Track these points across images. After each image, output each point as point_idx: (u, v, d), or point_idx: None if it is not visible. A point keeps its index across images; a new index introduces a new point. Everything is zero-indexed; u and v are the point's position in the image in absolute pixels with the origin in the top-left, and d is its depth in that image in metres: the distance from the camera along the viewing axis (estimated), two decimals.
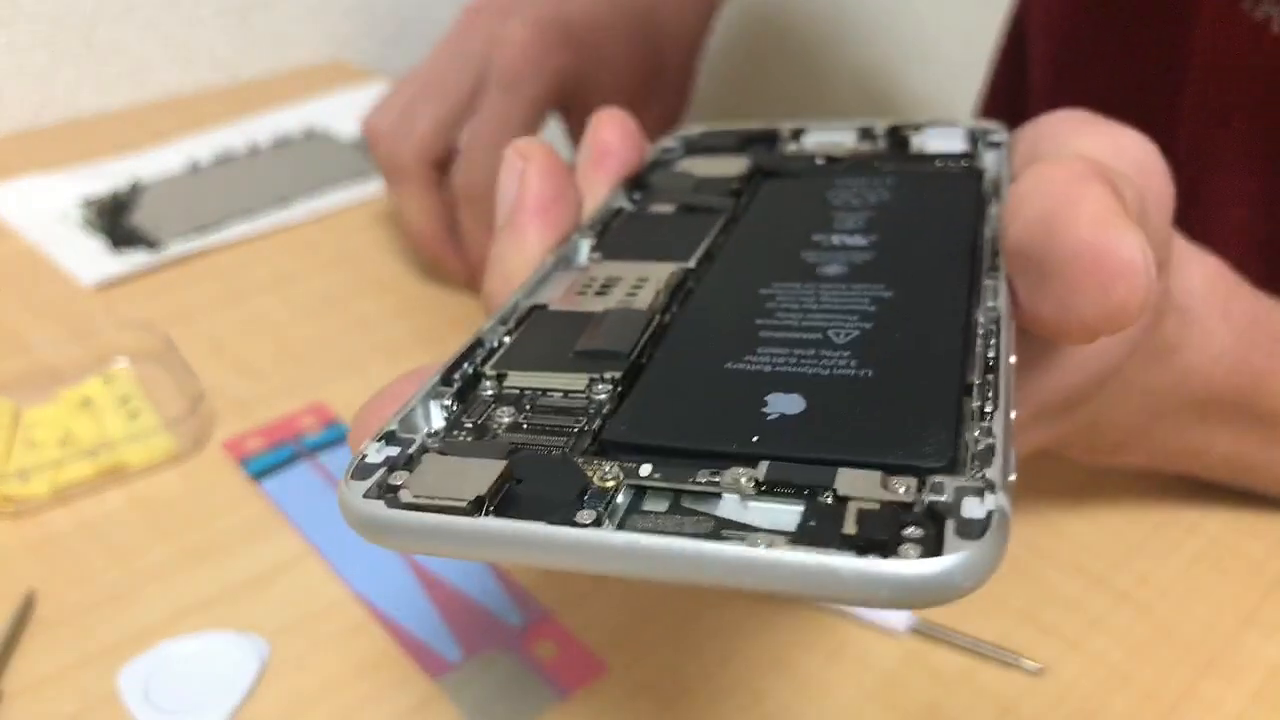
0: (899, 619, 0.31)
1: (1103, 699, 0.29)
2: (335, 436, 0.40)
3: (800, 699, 0.29)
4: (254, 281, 0.51)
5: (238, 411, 0.41)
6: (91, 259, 0.52)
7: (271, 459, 0.39)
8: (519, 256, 0.23)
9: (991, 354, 0.17)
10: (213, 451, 0.39)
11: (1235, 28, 0.41)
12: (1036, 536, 0.34)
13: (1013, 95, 0.60)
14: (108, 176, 0.61)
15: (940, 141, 0.27)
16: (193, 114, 0.71)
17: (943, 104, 1.19)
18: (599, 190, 0.26)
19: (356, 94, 0.74)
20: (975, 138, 0.27)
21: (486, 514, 0.15)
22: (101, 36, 0.72)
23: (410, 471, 0.16)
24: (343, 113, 0.70)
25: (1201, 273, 0.29)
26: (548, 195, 0.24)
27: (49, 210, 0.57)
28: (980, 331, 0.18)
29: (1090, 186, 0.18)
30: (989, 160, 0.25)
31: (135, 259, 0.52)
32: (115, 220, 0.56)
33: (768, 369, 0.17)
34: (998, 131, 0.26)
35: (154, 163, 0.63)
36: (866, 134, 0.28)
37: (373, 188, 0.60)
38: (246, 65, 0.79)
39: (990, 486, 0.14)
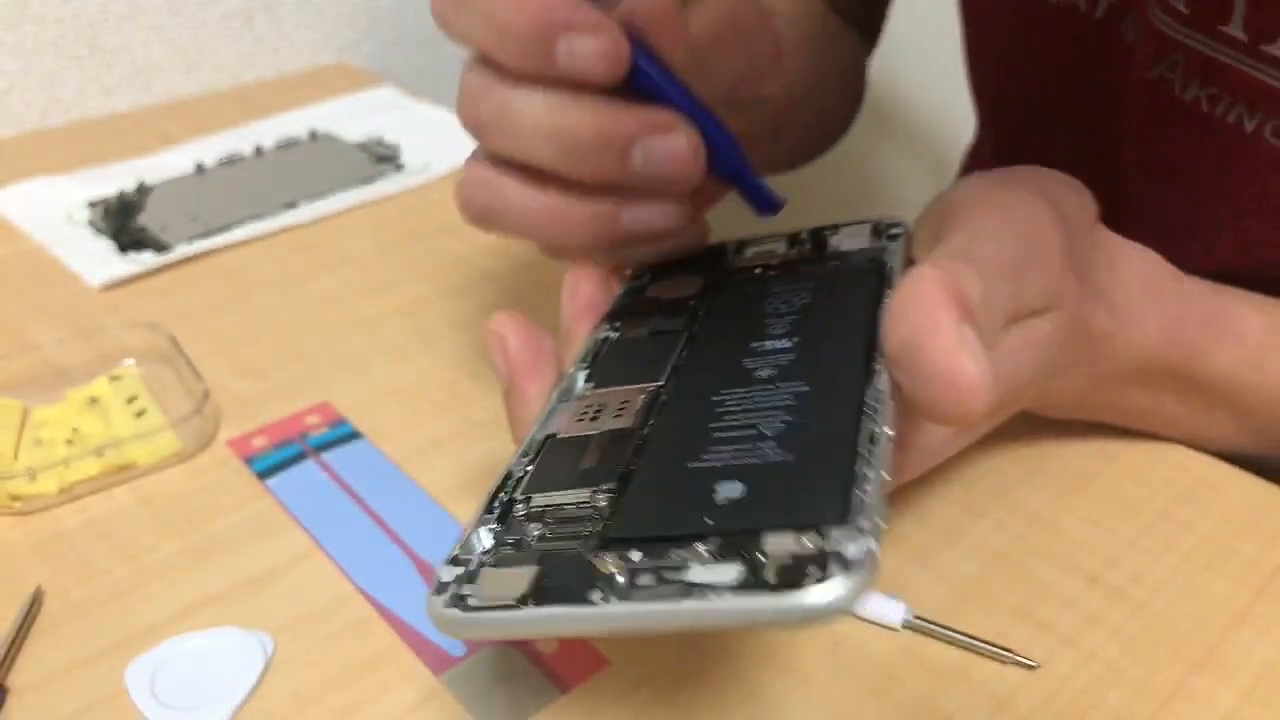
0: (895, 615, 0.31)
1: (1097, 694, 0.30)
2: (340, 435, 0.40)
3: (798, 694, 0.30)
4: (259, 282, 0.51)
5: (243, 411, 0.42)
6: (98, 260, 0.53)
7: (276, 457, 0.39)
8: (529, 409, 0.29)
9: (874, 428, 0.23)
10: (218, 450, 0.40)
11: (1168, 110, 0.43)
12: (1032, 534, 0.35)
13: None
14: (114, 179, 0.61)
15: (850, 240, 0.33)
16: (198, 117, 0.71)
17: (941, 107, 1.19)
18: (584, 333, 0.32)
19: (360, 96, 0.74)
20: (880, 231, 0.32)
21: (528, 606, 0.21)
22: (107, 40, 0.72)
23: (473, 584, 0.22)
24: (347, 115, 0.71)
25: (1137, 264, 0.34)
26: (530, 356, 0.30)
27: (56, 212, 0.58)
28: (868, 410, 0.24)
29: (944, 316, 0.23)
30: (891, 251, 0.31)
31: (142, 260, 0.52)
32: (122, 222, 0.56)
33: (718, 464, 0.23)
34: (898, 225, 0.32)
35: (160, 165, 0.63)
36: (794, 240, 0.34)
37: (376, 189, 0.60)
38: (250, 69, 0.79)
39: (863, 532, 0.20)
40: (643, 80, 0.30)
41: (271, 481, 0.38)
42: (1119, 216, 0.36)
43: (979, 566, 0.34)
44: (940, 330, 0.23)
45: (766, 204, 0.33)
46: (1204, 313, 0.36)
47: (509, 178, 0.32)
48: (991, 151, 0.59)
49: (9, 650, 0.31)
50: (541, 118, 0.30)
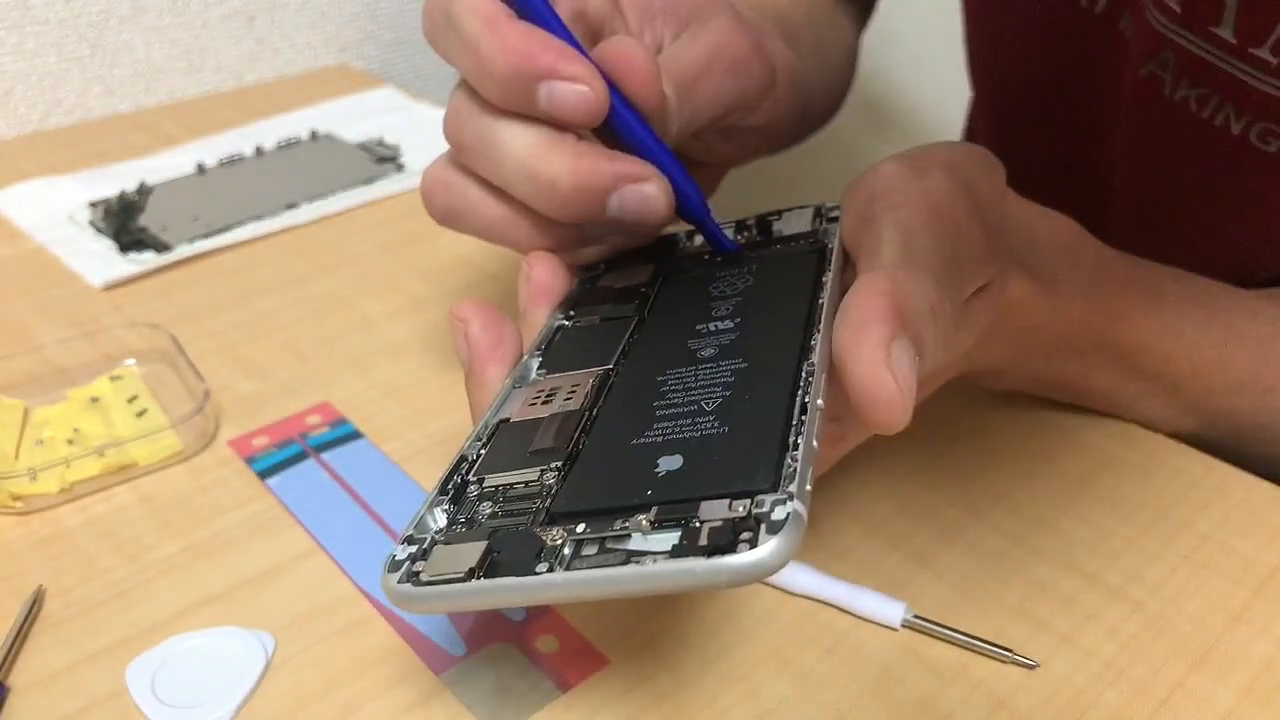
0: (895, 614, 0.31)
1: (1096, 693, 0.30)
2: (340, 435, 0.40)
3: (797, 692, 0.30)
4: (260, 282, 0.51)
5: (244, 410, 0.42)
6: (100, 260, 0.53)
7: (277, 457, 0.39)
8: (487, 393, 0.30)
9: (806, 399, 0.24)
10: (219, 450, 0.40)
11: (1158, 109, 0.43)
12: (1031, 534, 0.35)
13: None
14: (115, 179, 0.61)
15: (793, 224, 0.34)
16: (199, 118, 0.71)
17: (937, 108, 1.19)
18: (541, 317, 0.32)
19: (361, 97, 0.74)
20: (821, 214, 0.34)
21: (477, 578, 0.22)
22: (109, 41, 0.72)
23: (425, 560, 0.23)
24: (347, 116, 0.71)
25: (1048, 231, 0.34)
26: (491, 341, 0.30)
27: (58, 212, 0.58)
28: (802, 383, 0.25)
29: (874, 331, 0.24)
30: (830, 232, 0.32)
31: (143, 260, 0.53)
32: (123, 222, 0.56)
33: (660, 440, 0.24)
34: (838, 208, 0.33)
35: (161, 165, 0.63)
36: (741, 226, 0.35)
37: (376, 190, 0.60)
38: (251, 70, 0.80)
39: (790, 497, 0.21)
40: (618, 124, 0.31)
41: (272, 481, 0.38)
42: (1108, 214, 0.36)
43: (978, 566, 0.34)
44: (866, 346, 0.24)
45: (725, 247, 0.34)
46: (1122, 278, 0.36)
47: (472, 183, 0.33)
48: (988, 142, 0.60)
49: (10, 649, 0.31)
50: (522, 158, 0.31)
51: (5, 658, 0.31)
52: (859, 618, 0.32)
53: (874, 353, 0.24)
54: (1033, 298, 0.33)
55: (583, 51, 0.30)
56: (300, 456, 0.39)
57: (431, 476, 0.38)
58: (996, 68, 0.57)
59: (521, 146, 0.31)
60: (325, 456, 0.39)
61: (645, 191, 0.31)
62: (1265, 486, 0.37)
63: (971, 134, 0.64)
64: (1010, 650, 0.30)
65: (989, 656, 0.31)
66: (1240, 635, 0.31)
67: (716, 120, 0.36)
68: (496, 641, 0.31)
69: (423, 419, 0.41)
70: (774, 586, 0.33)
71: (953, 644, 0.31)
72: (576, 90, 0.30)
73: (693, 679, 0.30)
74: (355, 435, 0.40)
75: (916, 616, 0.31)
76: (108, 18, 0.72)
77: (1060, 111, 0.52)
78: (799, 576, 0.32)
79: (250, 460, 0.39)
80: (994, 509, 0.36)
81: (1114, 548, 0.34)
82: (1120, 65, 0.46)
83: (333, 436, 0.40)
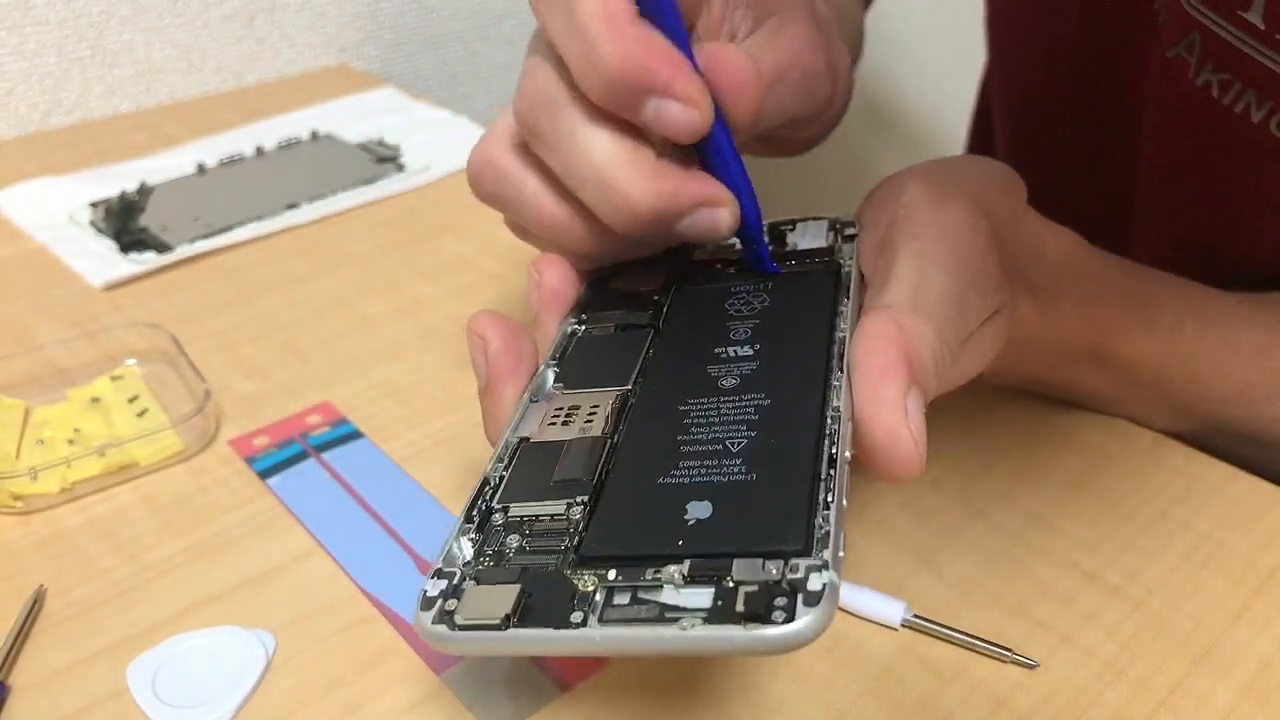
0: (894, 614, 0.31)
1: (1095, 693, 0.30)
2: (341, 435, 0.40)
3: (798, 692, 0.30)
4: (261, 282, 0.52)
5: (244, 410, 0.42)
6: (100, 260, 0.53)
7: (277, 457, 0.39)
8: (503, 410, 0.29)
9: (834, 450, 0.24)
10: (219, 449, 0.40)
11: (1181, 92, 0.43)
12: (1031, 534, 0.35)
13: (988, 150, 0.62)
14: (116, 179, 0.61)
15: (808, 238, 0.33)
16: (200, 118, 0.71)
17: (937, 108, 1.19)
18: (553, 322, 0.32)
19: (361, 98, 0.74)
20: (836, 230, 0.33)
21: (512, 626, 0.22)
22: (110, 41, 0.73)
23: (458, 599, 0.23)
24: (348, 116, 0.71)
25: (1057, 248, 0.35)
26: (510, 362, 0.30)
27: (58, 212, 0.58)
28: (827, 430, 0.25)
29: (891, 387, 0.25)
30: (845, 253, 0.32)
31: (143, 260, 0.53)
32: (124, 222, 0.56)
33: (686, 481, 0.24)
34: (853, 225, 0.33)
35: (162, 166, 0.63)
36: None
37: (377, 190, 0.60)
38: (252, 70, 0.80)
39: (826, 565, 0.21)
40: (710, 142, 0.29)
41: (273, 481, 0.38)
42: (1134, 199, 0.36)
43: (978, 565, 0.34)
44: (885, 404, 0.24)
45: (766, 269, 0.32)
46: (1121, 291, 0.37)
47: (532, 175, 0.31)
48: (1008, 131, 0.59)
49: (11, 649, 0.31)
50: (602, 165, 0.28)
51: (6, 658, 0.31)
52: (859, 617, 0.32)
53: (894, 411, 0.24)
54: (1033, 314, 0.33)
55: (692, 60, 0.28)
56: (301, 456, 0.39)
57: (432, 476, 0.38)
58: (1025, 50, 0.56)
59: (604, 155, 0.28)
60: (326, 456, 0.39)
61: (717, 217, 0.29)
62: (1265, 486, 0.37)
63: (983, 112, 0.64)
64: (1010, 650, 0.30)
65: (989, 656, 0.31)
66: (1240, 635, 0.31)
67: (771, 132, 0.34)
68: None
69: (423, 419, 0.41)
70: None
71: (952, 644, 0.31)
72: (686, 112, 0.28)
73: (692, 678, 0.30)
74: (355, 435, 0.40)
75: (916, 616, 0.31)
76: (108, 18, 0.72)
77: (1088, 95, 0.51)
78: None
79: (251, 460, 0.39)
80: (994, 508, 0.36)
81: (1113, 547, 0.34)
82: (1150, 48, 0.45)
83: (333, 436, 0.40)
